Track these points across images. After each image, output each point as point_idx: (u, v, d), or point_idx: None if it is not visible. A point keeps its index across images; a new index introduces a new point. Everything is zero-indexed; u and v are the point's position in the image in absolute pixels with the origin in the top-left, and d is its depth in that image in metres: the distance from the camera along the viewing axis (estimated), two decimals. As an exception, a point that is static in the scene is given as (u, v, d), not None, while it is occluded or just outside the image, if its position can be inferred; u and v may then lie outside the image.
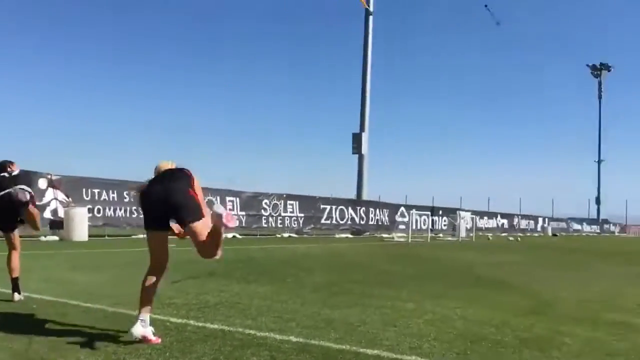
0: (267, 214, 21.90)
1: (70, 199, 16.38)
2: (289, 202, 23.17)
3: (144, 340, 4.11)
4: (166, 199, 4.28)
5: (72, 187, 16.63)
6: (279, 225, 22.56)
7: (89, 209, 16.32)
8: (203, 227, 4.25)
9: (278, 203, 22.55)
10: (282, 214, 22.75)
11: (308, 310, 5.75)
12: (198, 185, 4.50)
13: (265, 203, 21.95)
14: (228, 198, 20.74)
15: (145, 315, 4.20)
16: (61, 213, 15.99)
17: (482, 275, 10.20)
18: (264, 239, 18.75)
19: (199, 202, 4.35)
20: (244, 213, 21.12)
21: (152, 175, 4.60)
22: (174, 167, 4.66)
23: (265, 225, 21.78)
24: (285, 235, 22.21)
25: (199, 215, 4.28)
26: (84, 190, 16.73)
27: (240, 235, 20.59)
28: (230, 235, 20.36)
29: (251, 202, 21.57)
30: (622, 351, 4.56)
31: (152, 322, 4.49)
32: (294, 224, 23.39)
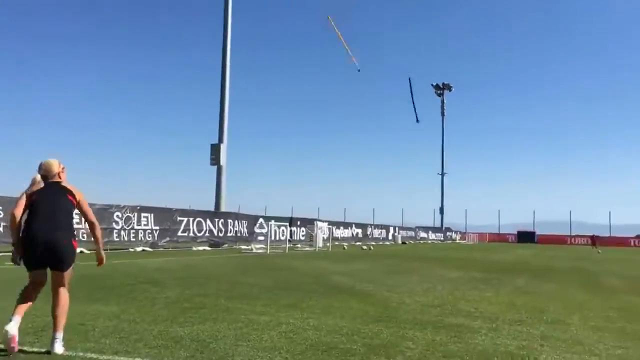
0: (118, 227, 20.77)
1: None
2: (143, 214, 22.16)
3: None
4: (53, 249, 4.64)
5: None
6: (132, 239, 21.49)
7: None
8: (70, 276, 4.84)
9: (131, 215, 21.50)
10: (136, 227, 21.70)
11: (157, 329, 5.51)
12: (83, 201, 4.96)
13: (117, 215, 20.81)
14: (76, 210, 19.33)
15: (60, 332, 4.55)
16: None
17: (335, 284, 10.50)
18: (115, 254, 17.71)
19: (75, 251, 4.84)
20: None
21: (35, 176, 4.83)
22: (58, 174, 4.88)
23: (117, 239, 20.62)
24: (139, 249, 21.19)
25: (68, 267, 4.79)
26: None
27: (87, 250, 19.31)
28: (78, 250, 19.02)
29: (101, 215, 20.27)
30: (458, 352, 4.93)
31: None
32: (149, 237, 22.41)
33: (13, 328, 4.36)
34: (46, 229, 4.65)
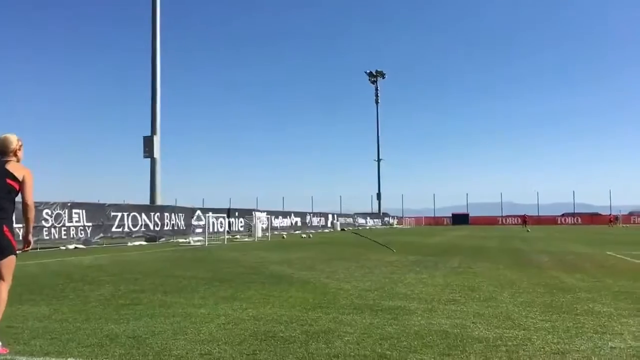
0: (48, 224, 19.96)
1: None
2: (74, 210, 21.37)
3: None
4: None
5: None
6: (64, 237, 20.71)
7: None
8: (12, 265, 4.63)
9: (61, 212, 20.70)
10: (67, 224, 20.92)
11: (91, 327, 5.36)
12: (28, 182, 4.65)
13: (47, 213, 19.98)
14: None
15: None
16: None
17: (274, 273, 10.51)
18: (45, 253, 17.03)
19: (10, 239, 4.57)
20: (20, 225, 18.96)
21: None
22: (15, 151, 4.66)
23: (47, 237, 19.81)
24: (71, 247, 20.47)
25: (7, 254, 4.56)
26: None
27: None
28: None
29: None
30: (395, 334, 5.06)
31: None
32: (81, 234, 21.66)
33: None
34: None
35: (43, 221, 19.83)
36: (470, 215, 76.73)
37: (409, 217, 76.56)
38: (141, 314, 6.09)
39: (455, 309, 6.41)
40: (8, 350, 4.40)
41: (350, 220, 55.80)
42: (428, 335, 4.99)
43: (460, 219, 74.62)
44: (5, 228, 4.54)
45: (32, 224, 4.75)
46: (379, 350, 4.42)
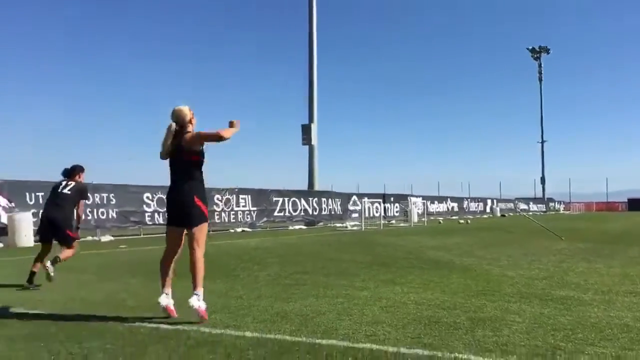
0: (219, 209, 21.65)
1: (13, 203, 15.75)
2: (241, 196, 22.95)
3: (167, 310, 5.03)
4: (181, 207, 5.14)
5: (15, 191, 15.99)
6: (232, 220, 22.34)
7: (33, 213, 15.74)
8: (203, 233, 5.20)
9: (230, 197, 22.32)
10: (235, 209, 22.53)
11: (263, 305, 5.73)
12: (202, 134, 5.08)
13: (217, 198, 21.68)
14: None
15: (199, 290, 4.99)
16: (4, 219, 15.37)
17: (433, 258, 10.40)
18: (216, 235, 18.53)
19: (201, 208, 5.15)
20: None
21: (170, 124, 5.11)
22: (190, 120, 5.16)
23: (218, 221, 21.51)
24: (239, 230, 22.03)
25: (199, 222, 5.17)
26: (27, 194, 16.11)
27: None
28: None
29: None
30: (569, 325, 4.75)
31: (103, 327, 4.53)
32: (247, 217, 23.22)
33: (164, 300, 5.07)
34: (178, 189, 5.14)
35: (214, 206, 21.54)
36: (650, 200, 69.10)
37: (577, 203, 71.15)
38: (307, 294, 6.37)
39: (637, 302, 5.85)
40: (207, 318, 4.97)
41: (510, 205, 53.27)
42: (607, 328, 4.61)
43: (638, 205, 67.56)
44: (195, 198, 5.09)
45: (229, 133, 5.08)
46: (552, 341, 4.18)
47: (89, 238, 17.38)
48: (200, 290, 5.01)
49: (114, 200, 18.20)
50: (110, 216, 18.06)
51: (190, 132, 5.13)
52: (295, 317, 5.07)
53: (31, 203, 16.10)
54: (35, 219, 15.67)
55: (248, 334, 4.44)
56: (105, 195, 17.98)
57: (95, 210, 17.57)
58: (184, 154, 5.08)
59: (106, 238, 17.30)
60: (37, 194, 16.27)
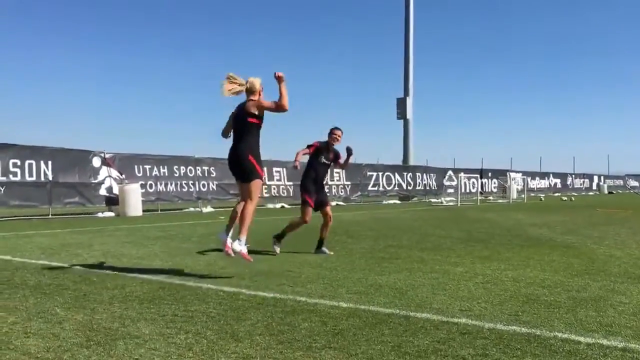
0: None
1: (123, 175, 16.88)
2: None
3: (241, 255, 5.61)
4: (237, 162, 5.87)
5: (125, 164, 17.12)
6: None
7: (141, 184, 16.79)
8: (255, 188, 5.80)
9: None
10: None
11: (357, 277, 5.81)
12: (260, 103, 5.81)
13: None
14: (275, 169, 20.97)
15: (243, 236, 5.62)
16: (116, 190, 16.52)
17: (533, 236, 10.03)
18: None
19: (254, 165, 5.78)
20: (290, 183, 21.29)
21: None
22: (259, 92, 5.89)
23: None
24: (333, 203, 22.31)
25: (251, 178, 5.77)
26: (136, 167, 17.20)
27: (288, 205, 20.84)
28: (278, 205, 20.66)
29: (296, 173, 21.72)
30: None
31: (206, 292, 4.82)
32: (342, 192, 23.46)
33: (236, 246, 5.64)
34: (235, 147, 5.89)
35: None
36: None
37: None
38: (400, 268, 6.38)
39: None
40: (250, 260, 5.80)
41: (619, 182, 50.03)
42: None
43: None
44: (250, 156, 5.76)
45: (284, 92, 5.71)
46: (663, 325, 3.94)
47: (191, 209, 18.32)
48: (243, 237, 5.64)
49: (214, 173, 19.01)
50: (210, 188, 18.89)
51: (254, 99, 5.84)
52: (389, 290, 5.11)
53: (139, 175, 17.16)
54: (143, 190, 16.75)
55: (342, 304, 4.53)
56: (206, 168, 18.81)
57: (197, 183, 18.45)
58: (246, 115, 5.79)
59: (207, 209, 18.15)
60: (145, 166, 17.32)
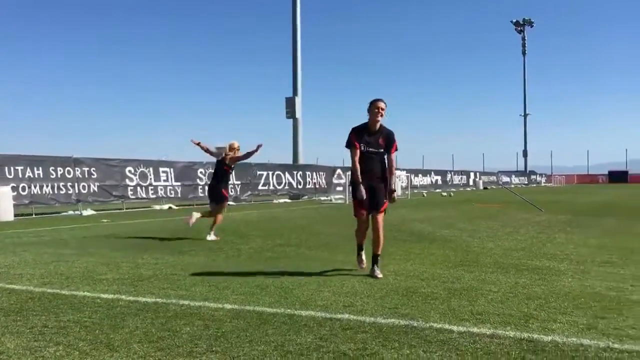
0: (202, 183, 21.58)
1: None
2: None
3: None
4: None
5: (-7, 165, 15.77)
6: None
7: (12, 187, 15.57)
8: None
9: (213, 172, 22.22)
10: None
11: (243, 277, 5.75)
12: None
13: (201, 172, 21.61)
14: (162, 169, 20.31)
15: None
16: (-18, 194, 15.17)
17: (415, 231, 10.49)
18: (198, 209, 18.49)
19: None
20: (179, 183, 20.76)
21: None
22: (234, 147, 9.67)
23: (202, 195, 21.47)
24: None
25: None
26: (6, 168, 15.91)
27: (175, 206, 20.27)
28: (165, 206, 20.02)
29: (186, 172, 21.19)
30: (542, 294, 4.84)
31: (82, 301, 4.55)
32: (231, 191, 23.17)
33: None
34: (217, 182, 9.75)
35: (198, 180, 21.50)
36: (629, 172, 70.13)
37: (558, 175, 71.91)
38: (288, 267, 6.41)
39: (611, 272, 5.97)
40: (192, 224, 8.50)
41: (493, 178, 53.71)
42: (580, 297, 4.71)
43: (618, 177, 68.44)
44: (223, 191, 9.63)
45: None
46: (525, 310, 4.26)
47: (71, 212, 17.27)
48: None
49: (95, 174, 18.04)
50: (91, 190, 17.92)
51: (231, 155, 9.53)
52: (275, 289, 5.11)
53: (10, 177, 15.90)
54: (15, 193, 15.53)
55: (227, 305, 4.46)
56: (86, 169, 17.81)
57: (76, 185, 17.42)
58: (225, 165, 9.60)
59: (88, 212, 17.20)
60: (16, 167, 16.07)
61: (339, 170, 29.76)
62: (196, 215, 9.57)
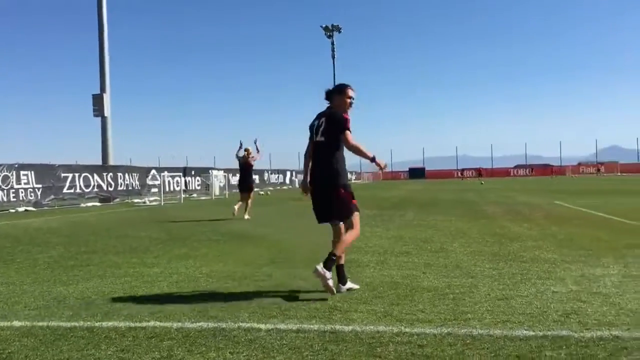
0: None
1: None
2: (22, 172, 20.66)
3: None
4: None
5: None
6: (12, 199, 20.07)
7: None
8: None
9: (9, 174, 19.99)
10: (15, 186, 20.25)
11: (39, 290, 5.24)
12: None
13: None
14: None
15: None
16: None
17: (231, 230, 10.48)
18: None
19: None
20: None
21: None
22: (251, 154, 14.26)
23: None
24: (21, 209, 19.89)
25: None
26: None
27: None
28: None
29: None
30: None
31: None
32: (31, 196, 21.04)
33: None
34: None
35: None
36: (426, 169, 77.99)
37: (366, 173, 77.29)
38: (91, 275, 5.99)
39: (406, 261, 6.54)
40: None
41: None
42: (379, 287, 5.08)
43: (416, 173, 75.83)
44: (250, 184, 14.34)
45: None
46: (330, 303, 4.48)
47: None
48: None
49: None
50: None
51: (252, 156, 13.96)
52: (74, 301, 4.73)
53: None
54: None
55: (17, 323, 4.02)
56: None
57: None
58: (247, 164, 13.83)
59: None
60: None
61: (153, 171, 28.66)
62: (235, 206, 13.57)
